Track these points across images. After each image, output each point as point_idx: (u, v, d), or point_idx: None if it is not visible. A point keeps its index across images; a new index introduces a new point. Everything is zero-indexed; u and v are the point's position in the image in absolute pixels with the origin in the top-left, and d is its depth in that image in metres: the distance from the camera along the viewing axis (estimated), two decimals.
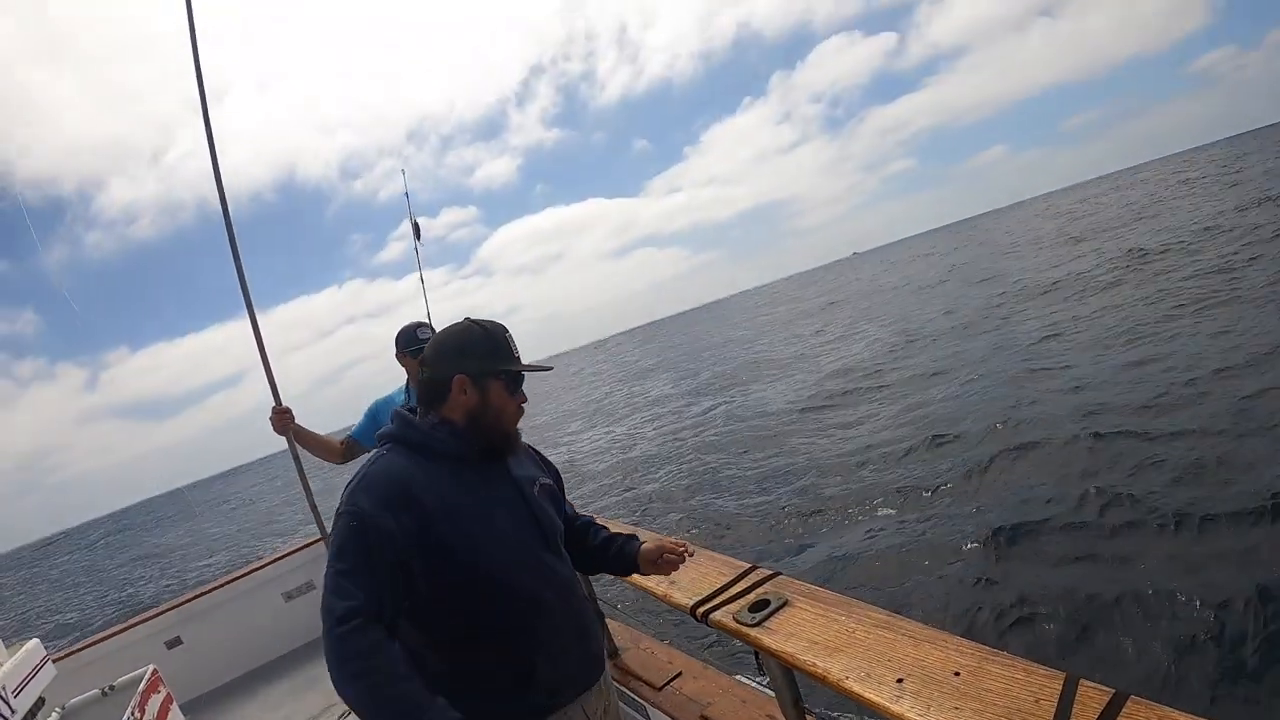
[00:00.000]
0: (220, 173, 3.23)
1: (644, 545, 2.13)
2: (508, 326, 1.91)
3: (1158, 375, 9.83)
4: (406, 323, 3.89)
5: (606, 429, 23.26)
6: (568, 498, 2.20)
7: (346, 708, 4.33)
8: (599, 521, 2.28)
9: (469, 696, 1.67)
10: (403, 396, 3.85)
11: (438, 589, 1.70)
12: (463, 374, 1.82)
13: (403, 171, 3.94)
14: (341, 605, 1.55)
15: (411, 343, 3.80)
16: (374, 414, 3.88)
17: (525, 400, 1.91)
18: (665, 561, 2.10)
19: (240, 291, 3.37)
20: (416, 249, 3.76)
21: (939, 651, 1.68)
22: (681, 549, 2.12)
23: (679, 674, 3.03)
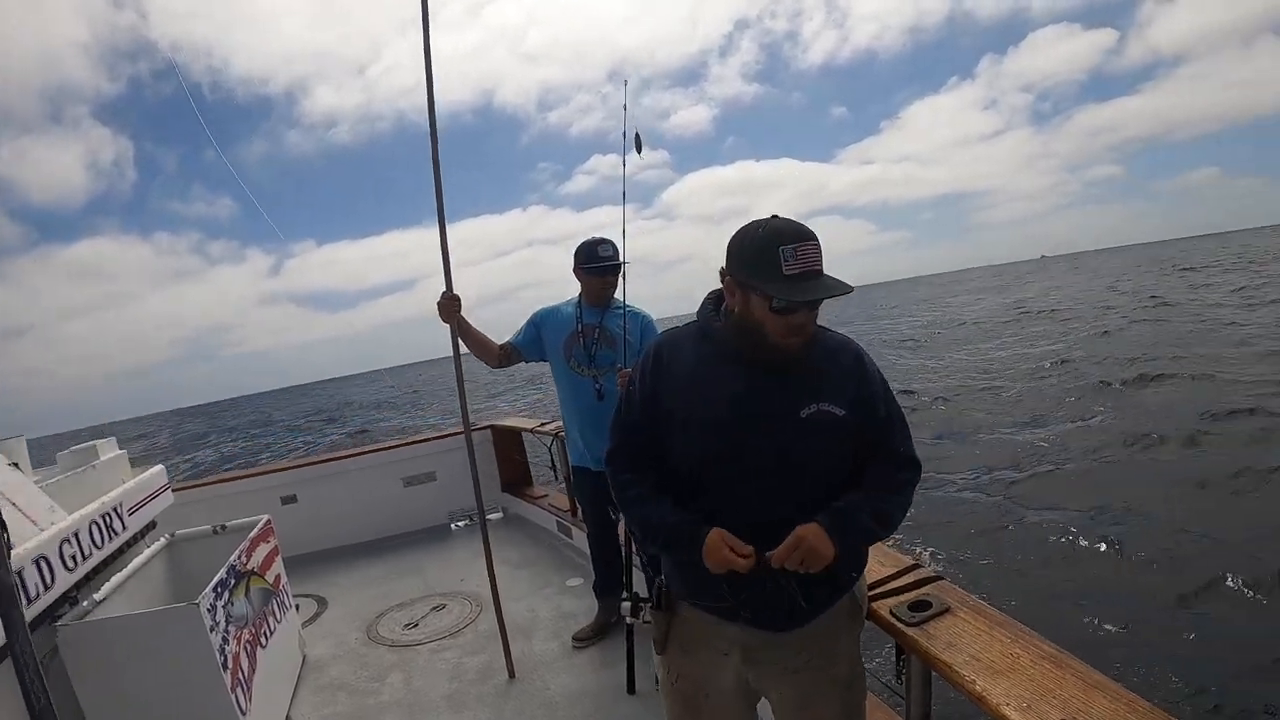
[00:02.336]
0: (433, 82, 3.18)
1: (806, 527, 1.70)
2: (811, 233, 1.65)
3: None
4: (589, 237, 3.68)
5: None
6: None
7: (440, 601, 4.28)
8: (875, 488, 1.82)
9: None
10: (573, 309, 3.71)
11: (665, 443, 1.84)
12: (730, 275, 1.74)
13: (625, 82, 3.62)
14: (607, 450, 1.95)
15: (591, 259, 3.62)
16: (537, 323, 3.73)
17: (806, 320, 1.68)
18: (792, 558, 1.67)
19: (434, 183, 3.21)
20: (623, 163, 3.35)
21: (1110, 702, 1.47)
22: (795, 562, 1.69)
23: None
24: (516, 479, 6.06)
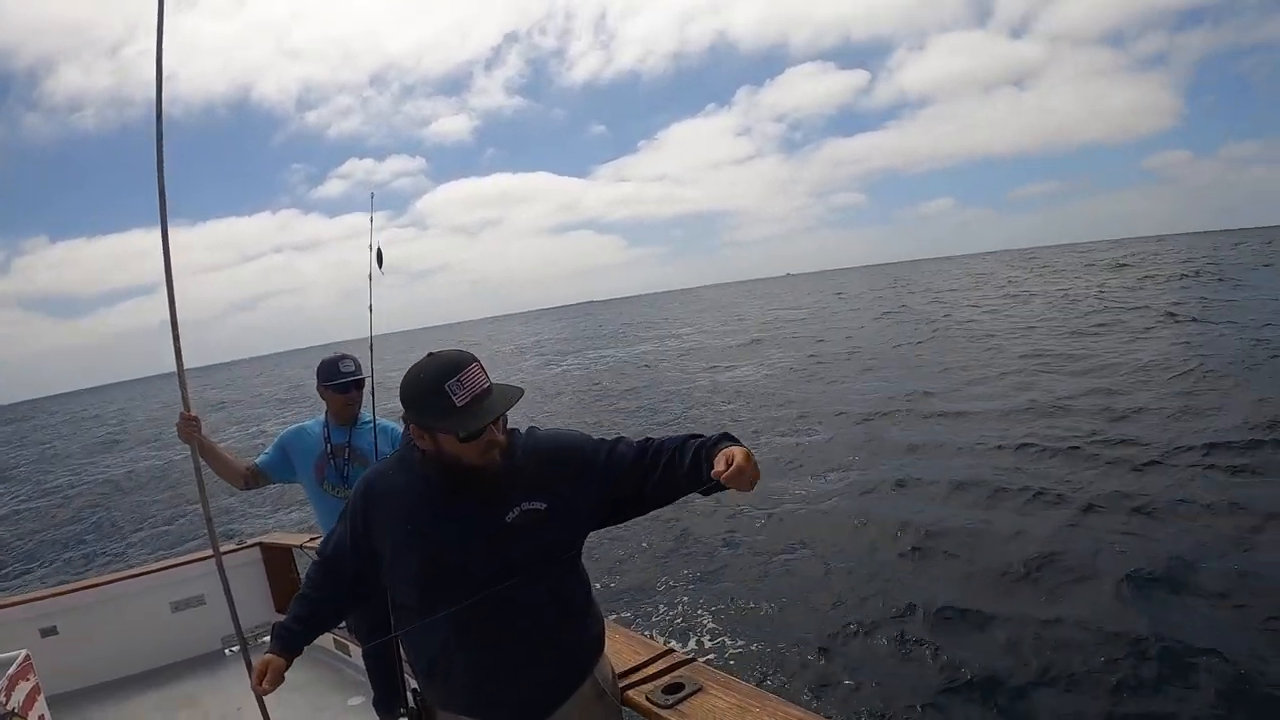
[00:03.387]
0: (162, 82, 3.03)
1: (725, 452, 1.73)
2: (469, 359, 1.81)
3: None
4: (329, 355, 3.65)
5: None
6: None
7: None
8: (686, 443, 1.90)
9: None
10: (320, 429, 3.68)
11: (378, 579, 2.03)
12: (412, 423, 1.86)
13: (371, 196, 3.65)
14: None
15: (332, 376, 3.57)
16: (283, 445, 3.72)
17: (494, 436, 1.82)
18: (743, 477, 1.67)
19: (162, 257, 3.14)
20: (370, 276, 3.36)
21: None
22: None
23: None
24: (289, 598, 5.87)
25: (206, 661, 5.34)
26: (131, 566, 5.86)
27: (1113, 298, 30.96)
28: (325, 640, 5.16)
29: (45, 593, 5.37)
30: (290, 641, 2.11)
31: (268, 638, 5.64)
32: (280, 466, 3.69)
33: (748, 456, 1.68)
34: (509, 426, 1.95)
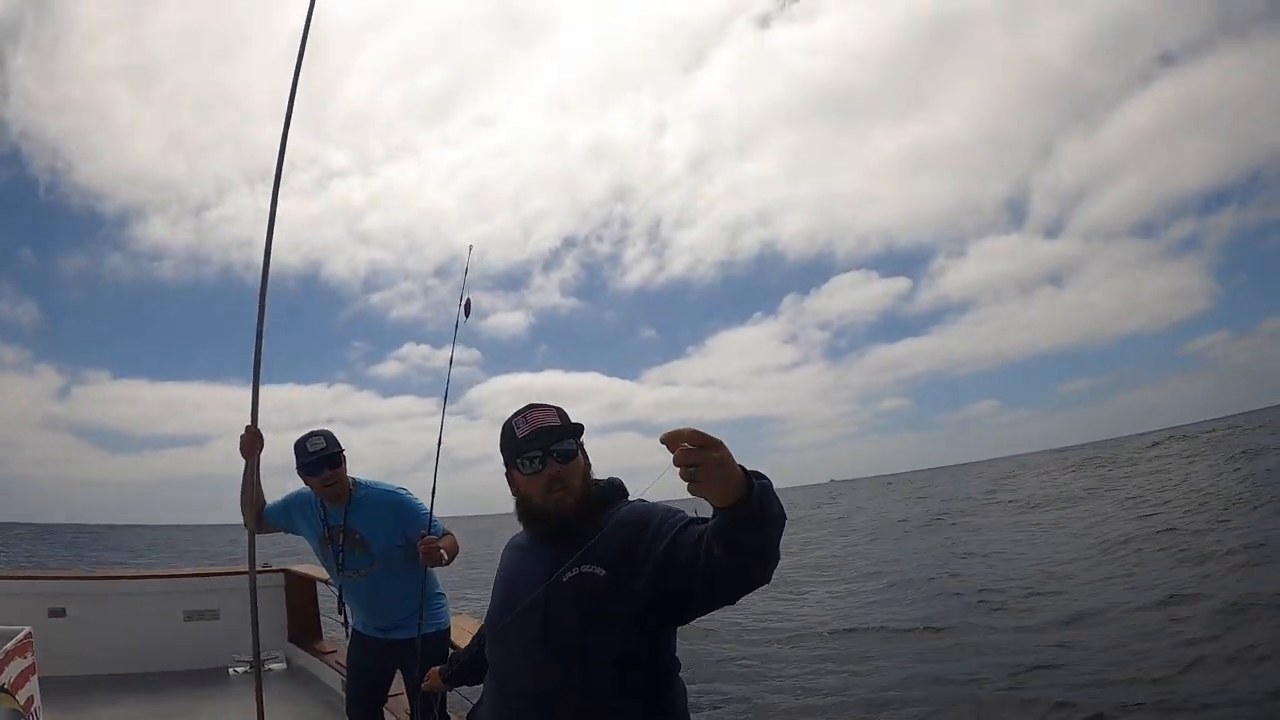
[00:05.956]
0: (271, 242, 3.36)
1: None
2: (546, 405, 1.90)
3: None
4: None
5: None
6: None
7: None
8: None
9: None
10: (318, 505, 3.38)
11: None
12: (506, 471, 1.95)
13: (470, 247, 3.42)
14: None
15: (299, 457, 3.26)
16: (288, 504, 3.49)
17: (554, 470, 1.79)
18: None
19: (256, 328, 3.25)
20: (456, 325, 3.22)
21: None
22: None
23: None
24: (305, 629, 5.69)
25: (210, 677, 5.18)
26: (152, 568, 5.76)
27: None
28: (333, 679, 4.98)
29: (60, 573, 5.33)
30: (451, 672, 2.44)
31: (274, 665, 5.52)
32: (280, 516, 3.51)
33: (711, 447, 1.37)
34: (633, 499, 1.91)
